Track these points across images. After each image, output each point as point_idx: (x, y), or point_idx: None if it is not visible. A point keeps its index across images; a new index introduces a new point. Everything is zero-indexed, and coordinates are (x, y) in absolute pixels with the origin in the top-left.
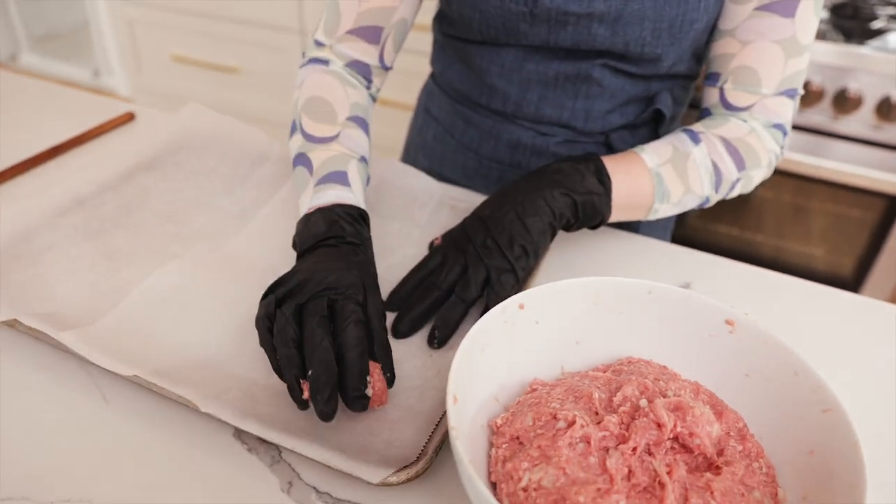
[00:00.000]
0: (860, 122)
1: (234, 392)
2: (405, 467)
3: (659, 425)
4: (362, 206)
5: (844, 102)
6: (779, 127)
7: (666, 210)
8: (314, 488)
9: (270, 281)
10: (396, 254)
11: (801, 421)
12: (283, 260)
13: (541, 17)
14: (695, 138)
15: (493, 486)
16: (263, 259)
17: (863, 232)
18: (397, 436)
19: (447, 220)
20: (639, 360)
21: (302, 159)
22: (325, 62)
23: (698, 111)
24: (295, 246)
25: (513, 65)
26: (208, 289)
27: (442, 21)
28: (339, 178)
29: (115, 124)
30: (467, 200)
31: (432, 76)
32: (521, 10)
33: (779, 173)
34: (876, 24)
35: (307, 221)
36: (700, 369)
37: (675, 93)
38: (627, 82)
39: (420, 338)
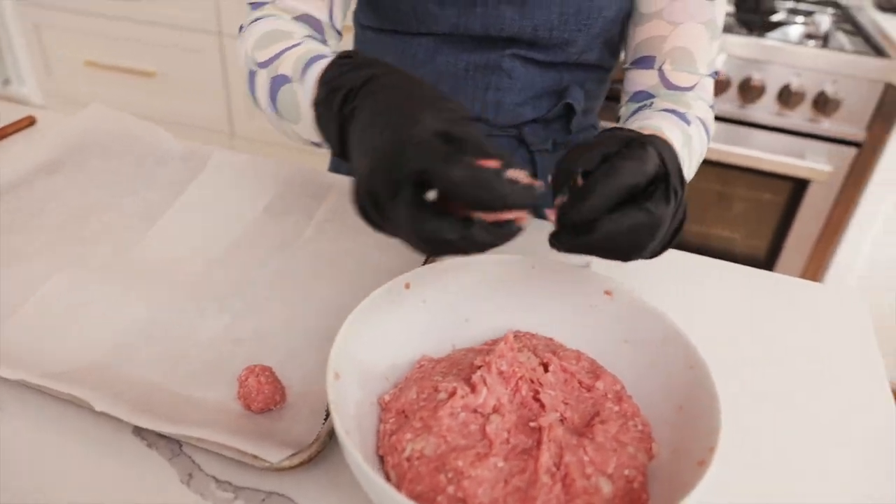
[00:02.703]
0: (764, 109)
1: (130, 393)
2: (297, 452)
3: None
4: None
5: (749, 91)
6: (712, 107)
7: None
8: (213, 478)
9: (169, 283)
10: (293, 246)
11: (672, 380)
12: (191, 262)
13: None
14: (685, 119)
15: (381, 460)
16: (167, 261)
17: (774, 214)
18: (296, 422)
19: (340, 209)
20: (526, 332)
21: (277, 81)
22: (270, 17)
23: (620, 95)
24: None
25: (425, 56)
26: (105, 293)
27: (359, 10)
28: (319, 58)
29: (13, 129)
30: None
31: None
32: None
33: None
34: (776, 17)
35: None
36: (583, 338)
37: (587, 86)
38: (537, 73)
39: (316, 323)
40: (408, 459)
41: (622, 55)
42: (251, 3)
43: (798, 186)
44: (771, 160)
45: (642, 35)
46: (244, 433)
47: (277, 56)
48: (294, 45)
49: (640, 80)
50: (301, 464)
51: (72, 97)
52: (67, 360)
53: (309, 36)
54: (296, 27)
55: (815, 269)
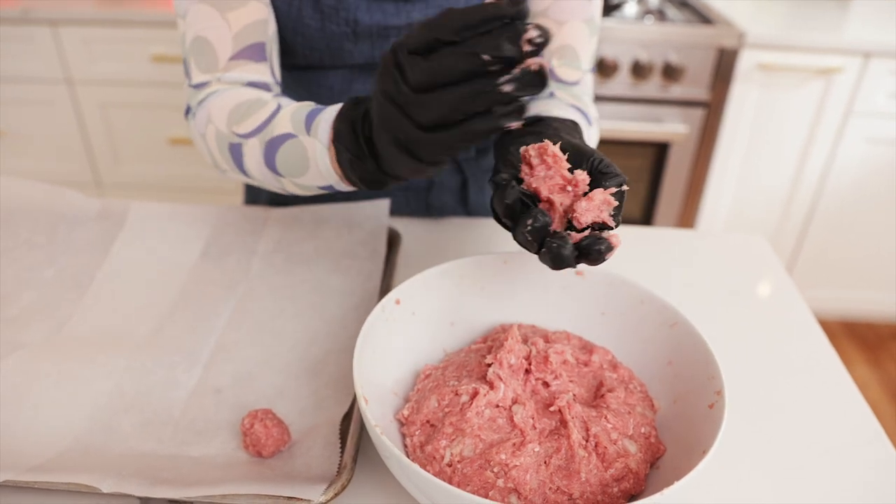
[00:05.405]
0: (621, 84)
1: (130, 468)
2: (331, 484)
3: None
4: None
5: (605, 69)
6: (593, 102)
7: None
8: None
9: (126, 347)
10: (243, 284)
11: (656, 339)
12: (141, 322)
13: (363, 34)
14: (588, 120)
15: None
16: (114, 326)
17: (643, 178)
18: (312, 457)
19: (284, 239)
20: (510, 324)
21: (276, 141)
22: (221, 92)
23: None
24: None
25: (342, 86)
26: (60, 372)
27: None
28: (320, 110)
29: None
30: (293, 215)
31: None
32: (343, 30)
33: None
34: (612, 0)
35: (338, 130)
36: (564, 318)
37: None
38: None
39: (295, 357)
40: (449, 465)
41: None
42: (194, 86)
43: (660, 150)
44: (633, 129)
45: None
46: (267, 479)
47: (268, 121)
48: (277, 108)
49: None
50: (335, 496)
51: None
52: (41, 451)
53: (275, 95)
54: (256, 92)
55: (686, 222)
